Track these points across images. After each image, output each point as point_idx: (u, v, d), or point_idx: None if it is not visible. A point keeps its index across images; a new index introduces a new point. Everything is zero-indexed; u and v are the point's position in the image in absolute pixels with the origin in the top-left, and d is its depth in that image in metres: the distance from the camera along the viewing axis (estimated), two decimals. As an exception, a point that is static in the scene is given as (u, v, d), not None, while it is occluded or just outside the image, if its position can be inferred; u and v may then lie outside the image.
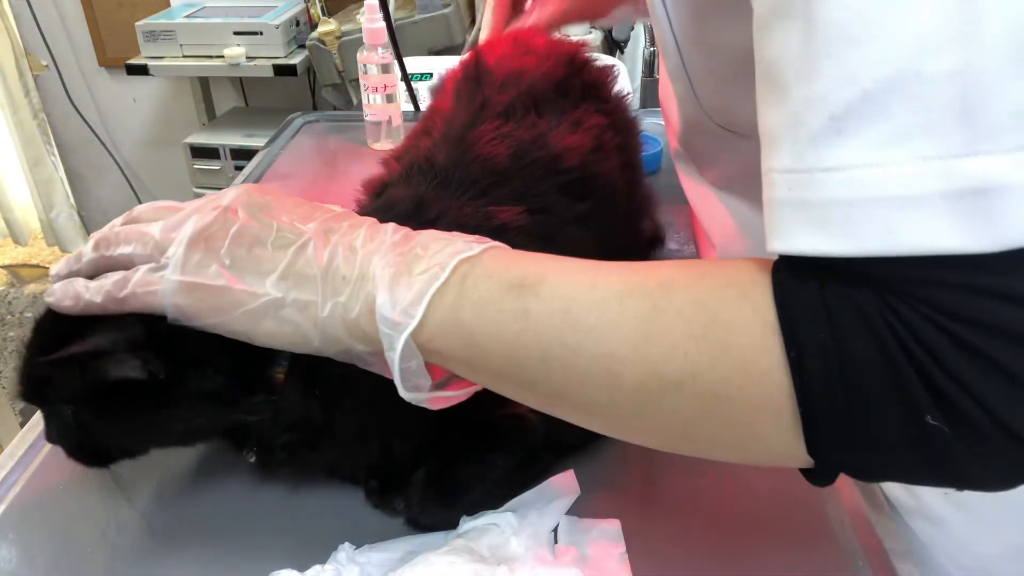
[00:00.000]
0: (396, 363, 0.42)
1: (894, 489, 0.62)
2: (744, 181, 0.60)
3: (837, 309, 0.33)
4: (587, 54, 0.73)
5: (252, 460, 0.54)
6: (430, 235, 0.45)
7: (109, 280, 0.46)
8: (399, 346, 0.41)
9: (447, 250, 0.42)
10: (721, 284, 0.37)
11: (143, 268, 0.45)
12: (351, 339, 0.43)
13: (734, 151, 0.57)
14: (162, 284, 0.44)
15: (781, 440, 0.36)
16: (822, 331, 0.33)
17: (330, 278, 0.43)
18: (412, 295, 0.41)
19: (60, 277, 0.48)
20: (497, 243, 0.44)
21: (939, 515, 0.59)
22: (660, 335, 0.37)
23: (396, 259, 0.43)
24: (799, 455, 0.36)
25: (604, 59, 0.79)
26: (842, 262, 0.33)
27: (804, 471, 0.39)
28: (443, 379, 0.45)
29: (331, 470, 0.57)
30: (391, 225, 0.46)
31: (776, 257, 0.36)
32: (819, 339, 0.33)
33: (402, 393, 0.44)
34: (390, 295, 0.41)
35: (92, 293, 0.46)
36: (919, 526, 0.61)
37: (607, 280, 0.40)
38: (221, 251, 0.44)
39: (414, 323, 0.41)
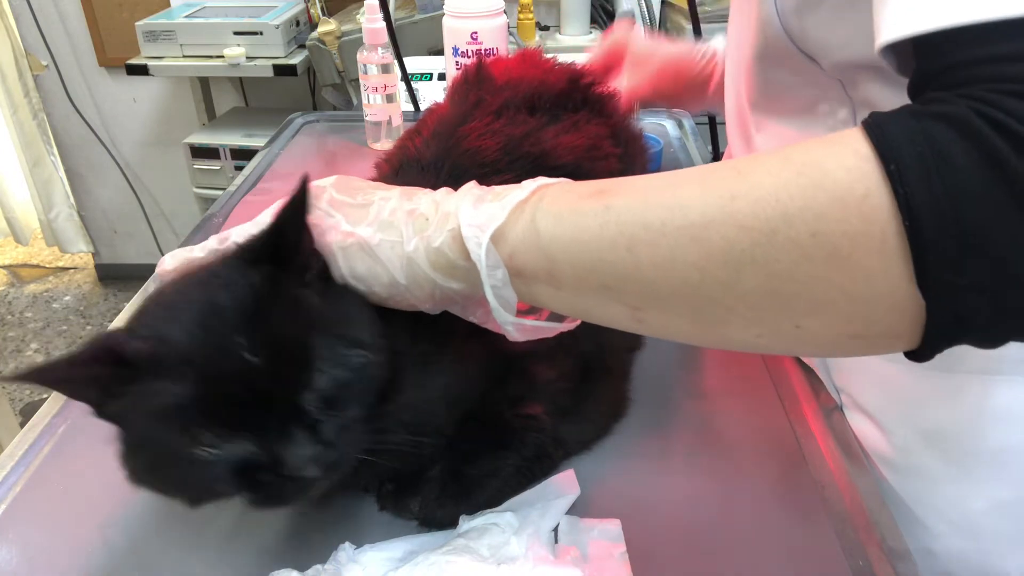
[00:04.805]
0: (483, 262, 0.43)
1: (879, 446, 0.63)
2: (800, 114, 0.61)
3: (929, 121, 0.34)
4: (592, 79, 0.71)
5: None
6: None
7: (212, 240, 0.51)
8: (485, 240, 0.43)
9: (526, 181, 0.45)
10: (805, 144, 0.38)
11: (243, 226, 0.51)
12: (434, 271, 0.45)
13: (804, 82, 0.58)
14: (256, 228, 0.48)
15: (887, 273, 0.35)
16: (918, 144, 0.34)
17: (413, 221, 0.46)
18: (494, 208, 0.44)
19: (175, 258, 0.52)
20: (569, 180, 0.46)
21: (927, 469, 0.60)
22: (747, 192, 0.37)
23: (477, 192, 0.46)
24: (907, 295, 0.35)
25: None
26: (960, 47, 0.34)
27: (910, 354, 0.38)
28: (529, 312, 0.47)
29: (348, 481, 0.56)
30: (471, 183, 0.48)
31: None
32: (916, 151, 0.33)
33: (494, 307, 0.45)
34: (474, 210, 0.44)
35: (196, 251, 0.51)
36: (904, 485, 0.62)
37: (682, 171, 0.42)
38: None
39: (498, 222, 0.43)
